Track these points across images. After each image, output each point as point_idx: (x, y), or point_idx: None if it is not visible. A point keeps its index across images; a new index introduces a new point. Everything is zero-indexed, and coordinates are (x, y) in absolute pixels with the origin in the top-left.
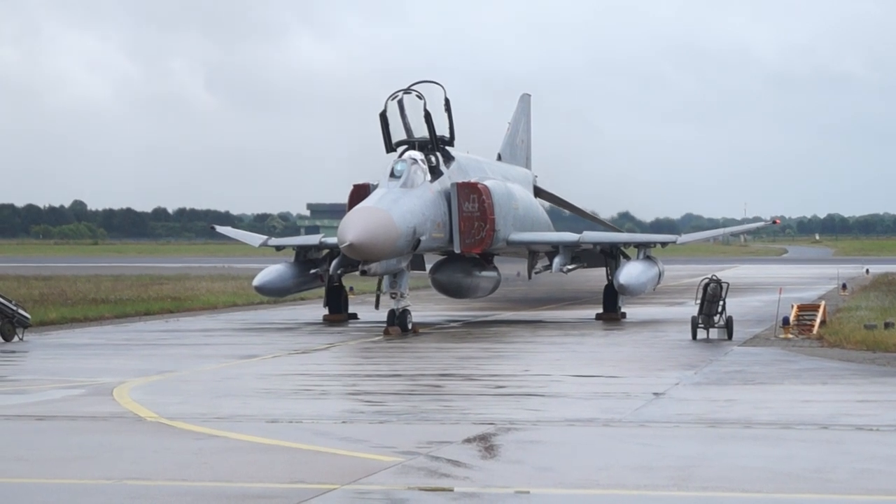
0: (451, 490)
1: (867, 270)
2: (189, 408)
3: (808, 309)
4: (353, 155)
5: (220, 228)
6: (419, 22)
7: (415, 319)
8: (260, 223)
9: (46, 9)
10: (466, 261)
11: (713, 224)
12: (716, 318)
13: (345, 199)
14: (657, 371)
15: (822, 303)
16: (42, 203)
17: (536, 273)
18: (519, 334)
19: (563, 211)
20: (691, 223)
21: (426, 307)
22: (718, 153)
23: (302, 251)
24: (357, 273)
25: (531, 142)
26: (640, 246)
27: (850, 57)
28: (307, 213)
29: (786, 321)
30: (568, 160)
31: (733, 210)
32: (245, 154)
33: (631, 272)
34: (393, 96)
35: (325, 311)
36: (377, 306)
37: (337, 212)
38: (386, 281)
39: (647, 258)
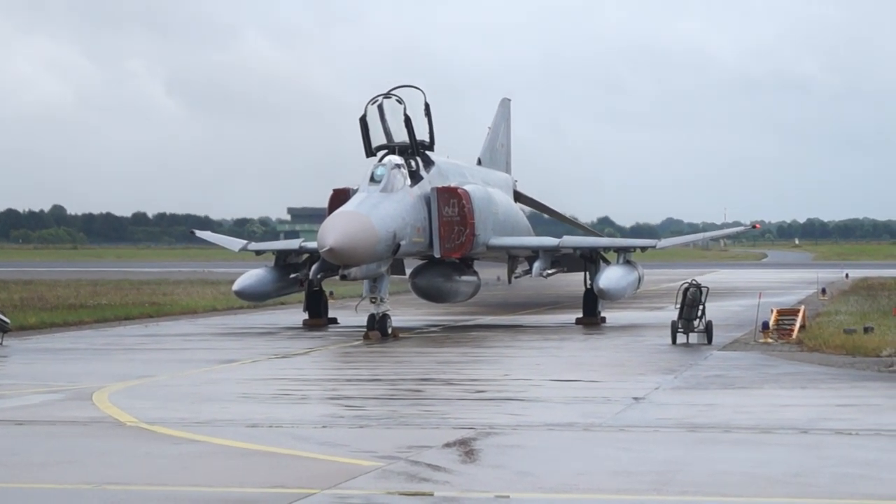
0: (431, 495)
1: (847, 275)
2: (169, 412)
3: (787, 313)
4: (333, 159)
5: (199, 233)
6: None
7: (395, 324)
8: (240, 228)
9: (22, 11)
10: (446, 265)
11: (693, 228)
12: (695, 323)
13: (325, 204)
14: (637, 375)
15: (802, 307)
16: (21, 207)
17: (516, 277)
18: (499, 339)
19: (542, 215)
20: (671, 228)
21: (406, 312)
22: (698, 158)
23: (282, 256)
24: (337, 277)
25: (511, 146)
26: (619, 250)
27: (828, 62)
28: (287, 217)
29: (765, 326)
30: (544, 165)
31: (713, 214)
32: (225, 159)
33: (611, 277)
34: (373, 100)
35: (305, 316)
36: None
37: (317, 216)
38: (366, 285)
39: (627, 263)
